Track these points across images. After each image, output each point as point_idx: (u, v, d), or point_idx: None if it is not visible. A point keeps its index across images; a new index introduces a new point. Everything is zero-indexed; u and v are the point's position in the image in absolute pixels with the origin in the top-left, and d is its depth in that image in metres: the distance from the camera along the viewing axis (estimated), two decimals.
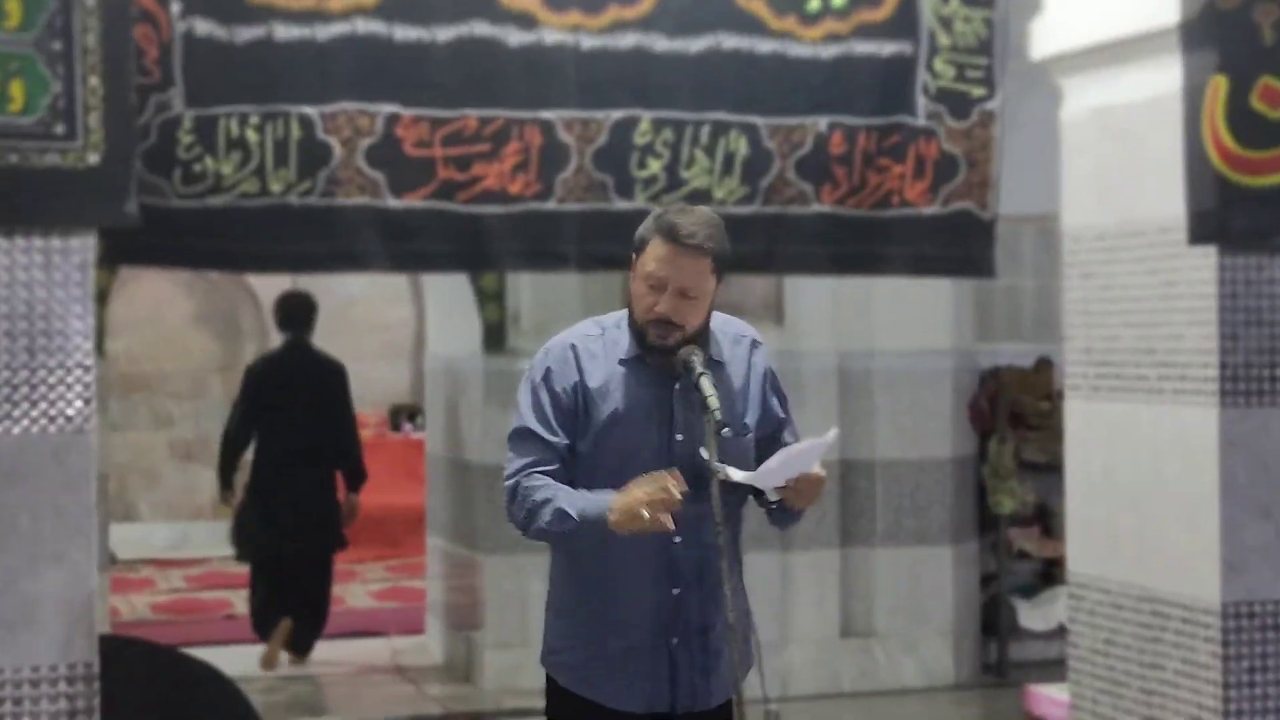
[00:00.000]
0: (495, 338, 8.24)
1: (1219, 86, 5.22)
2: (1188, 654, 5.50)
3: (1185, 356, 5.49)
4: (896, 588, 8.44)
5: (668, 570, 3.74)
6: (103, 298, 7.22)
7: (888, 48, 5.66)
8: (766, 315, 8.14)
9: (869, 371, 8.41)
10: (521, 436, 3.77)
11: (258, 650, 8.88)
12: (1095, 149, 5.90)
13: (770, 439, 3.87)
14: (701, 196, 5.44)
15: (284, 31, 5.13)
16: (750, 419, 3.85)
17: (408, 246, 5.38)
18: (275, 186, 5.17)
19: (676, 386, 3.75)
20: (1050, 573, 8.75)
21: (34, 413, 4.65)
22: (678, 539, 3.66)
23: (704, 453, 3.61)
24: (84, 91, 4.61)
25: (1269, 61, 5.23)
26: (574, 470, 3.74)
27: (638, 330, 3.76)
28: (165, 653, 6.02)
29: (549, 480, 3.70)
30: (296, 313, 9.08)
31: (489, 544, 8.09)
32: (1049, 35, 6.04)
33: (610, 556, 3.72)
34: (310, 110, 5.18)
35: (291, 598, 8.90)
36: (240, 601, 10.08)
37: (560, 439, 3.74)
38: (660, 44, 5.43)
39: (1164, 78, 5.42)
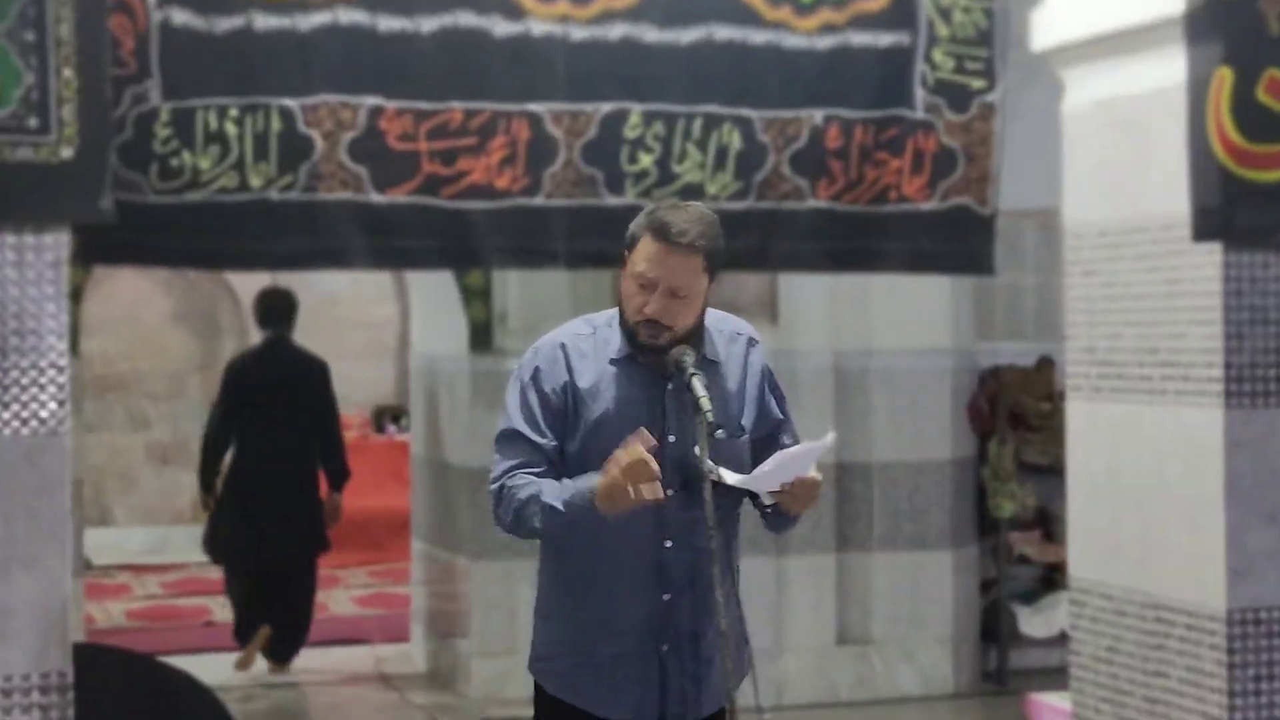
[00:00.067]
0: (482, 337, 8.18)
1: (1224, 79, 5.20)
2: (1192, 661, 5.48)
3: (1189, 356, 5.49)
4: (894, 593, 8.38)
5: (658, 575, 3.70)
6: (77, 295, 7.22)
7: (885, 39, 5.63)
8: (760, 313, 8.08)
9: (866, 371, 8.34)
10: (509, 438, 3.73)
11: (237, 657, 8.80)
12: (1097, 142, 5.90)
13: (768, 440, 3.82)
14: (693, 191, 5.42)
15: (264, 21, 5.11)
16: (746, 420, 3.80)
17: (392, 243, 5.34)
18: (255, 181, 5.14)
19: (669, 387, 3.70)
20: (1051, 578, 8.68)
21: (6, 414, 4.63)
22: (668, 543, 3.65)
23: (697, 453, 3.55)
24: (58, 84, 4.59)
25: (1275, 53, 5.22)
26: (563, 472, 3.69)
27: (629, 329, 3.71)
28: (141, 661, 6.00)
29: (532, 478, 3.65)
30: (276, 309, 9.03)
31: (475, 549, 8.04)
32: (1050, 26, 6.03)
33: (599, 560, 3.69)
34: (291, 102, 5.15)
35: (274, 603, 8.82)
36: (219, 608, 10.04)
37: (549, 440, 3.70)
38: (651, 35, 5.40)
39: (1168, 70, 5.41)
